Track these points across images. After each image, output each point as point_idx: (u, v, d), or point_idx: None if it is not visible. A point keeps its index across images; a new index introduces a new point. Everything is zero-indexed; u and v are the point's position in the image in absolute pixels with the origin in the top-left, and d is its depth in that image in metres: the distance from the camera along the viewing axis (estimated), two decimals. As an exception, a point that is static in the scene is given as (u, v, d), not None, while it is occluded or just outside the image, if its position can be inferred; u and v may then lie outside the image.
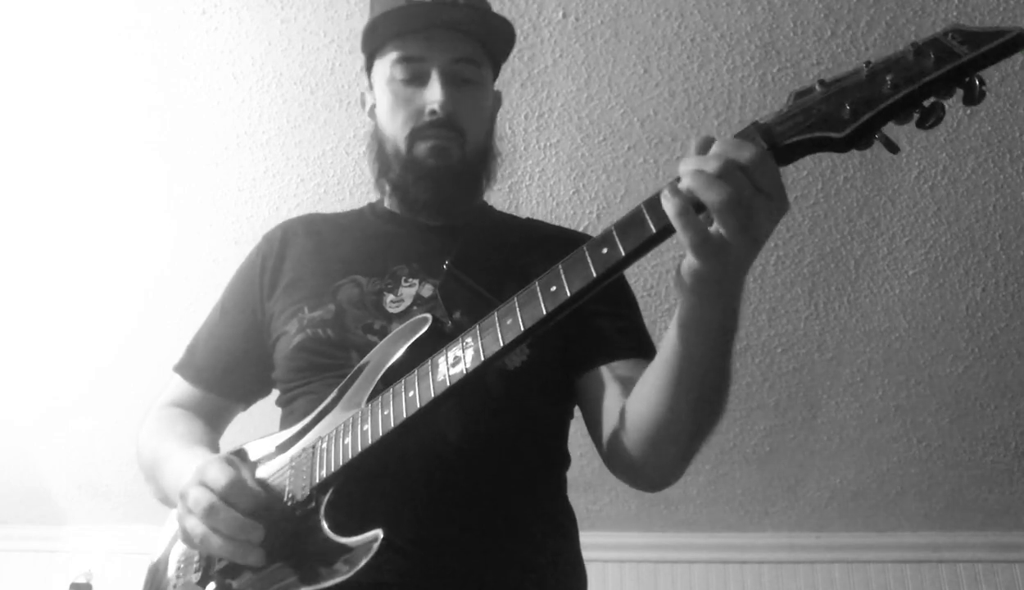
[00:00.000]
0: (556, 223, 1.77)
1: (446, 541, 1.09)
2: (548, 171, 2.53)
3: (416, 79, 1.30)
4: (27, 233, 2.81)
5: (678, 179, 0.85)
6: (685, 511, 3.88)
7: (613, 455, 1.17)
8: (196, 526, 1.03)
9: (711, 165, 0.82)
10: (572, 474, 1.28)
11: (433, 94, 1.28)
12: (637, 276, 2.78)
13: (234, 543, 1.01)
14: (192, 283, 2.88)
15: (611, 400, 1.19)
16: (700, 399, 1.02)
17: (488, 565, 1.10)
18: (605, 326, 1.25)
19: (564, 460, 1.28)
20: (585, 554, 1.22)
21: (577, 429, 1.30)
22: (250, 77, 2.33)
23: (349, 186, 2.60)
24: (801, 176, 2.49)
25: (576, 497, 1.25)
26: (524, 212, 2.42)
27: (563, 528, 1.22)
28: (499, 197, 1.47)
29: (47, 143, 2.52)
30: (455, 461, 1.12)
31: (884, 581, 3.95)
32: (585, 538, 1.23)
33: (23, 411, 3.51)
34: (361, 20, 2.19)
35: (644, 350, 1.26)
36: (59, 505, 4.12)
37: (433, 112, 1.27)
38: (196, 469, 1.07)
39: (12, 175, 2.62)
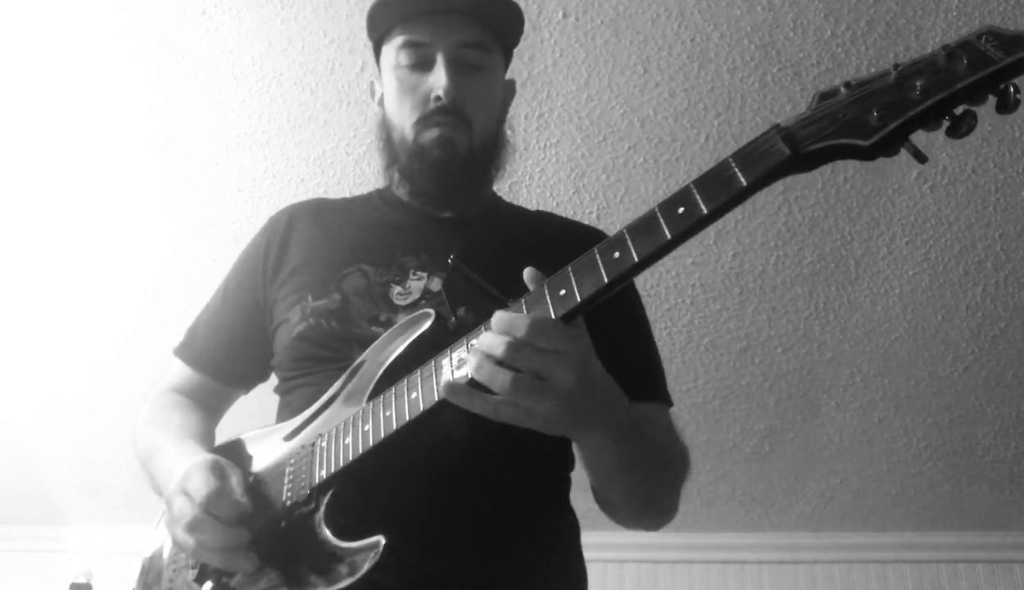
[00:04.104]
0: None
1: (449, 545, 1.07)
2: (548, 171, 2.53)
3: (422, 65, 1.27)
4: (27, 233, 2.81)
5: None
6: (685, 511, 3.83)
7: (601, 504, 1.21)
8: (183, 536, 1.02)
9: (497, 351, 0.88)
10: (572, 474, 1.27)
11: (438, 79, 1.25)
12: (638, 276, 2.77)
13: (222, 553, 1.01)
14: (192, 283, 2.88)
15: None
16: (635, 485, 1.08)
17: (491, 569, 1.09)
18: (618, 359, 1.17)
19: (569, 461, 1.26)
20: (585, 554, 1.22)
21: (577, 429, 1.29)
22: (250, 77, 2.33)
23: (349, 186, 2.60)
24: (801, 176, 2.49)
25: (576, 497, 1.25)
26: (524, 212, 2.41)
27: (566, 530, 1.21)
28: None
29: (47, 143, 2.52)
30: (460, 461, 1.09)
31: (884, 581, 3.94)
32: (585, 538, 1.22)
33: (23, 411, 3.51)
34: (361, 20, 2.19)
35: (656, 392, 1.25)
36: (59, 505, 4.12)
37: (438, 98, 1.24)
38: (182, 474, 1.06)
39: (12, 175, 2.62)
